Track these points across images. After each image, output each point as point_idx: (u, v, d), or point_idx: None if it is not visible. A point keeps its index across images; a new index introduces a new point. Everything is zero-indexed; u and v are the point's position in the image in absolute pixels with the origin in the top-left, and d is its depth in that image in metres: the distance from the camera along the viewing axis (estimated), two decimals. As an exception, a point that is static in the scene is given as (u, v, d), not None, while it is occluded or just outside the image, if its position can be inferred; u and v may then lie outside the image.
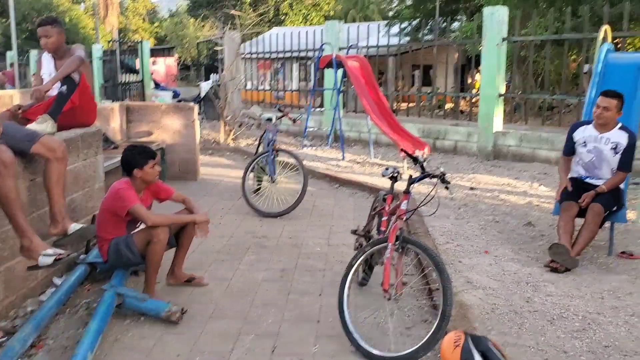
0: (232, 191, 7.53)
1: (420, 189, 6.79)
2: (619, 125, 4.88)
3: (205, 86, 14.24)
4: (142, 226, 4.12)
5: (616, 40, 9.61)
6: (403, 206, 3.50)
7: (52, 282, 4.23)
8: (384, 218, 3.90)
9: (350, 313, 3.47)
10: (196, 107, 8.39)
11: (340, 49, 11.78)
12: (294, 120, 6.96)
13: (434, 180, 3.50)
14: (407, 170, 8.50)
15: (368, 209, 6.65)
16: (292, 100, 15.92)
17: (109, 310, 3.55)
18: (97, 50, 17.06)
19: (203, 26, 40.38)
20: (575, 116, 10.70)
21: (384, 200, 4.04)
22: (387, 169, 4.00)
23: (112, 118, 7.68)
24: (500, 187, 7.60)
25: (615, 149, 4.80)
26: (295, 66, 23.48)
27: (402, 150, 3.86)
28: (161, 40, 45.95)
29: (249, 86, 16.31)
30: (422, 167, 3.52)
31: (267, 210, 6.35)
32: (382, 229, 3.88)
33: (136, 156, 3.98)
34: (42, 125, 4.15)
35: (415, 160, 3.55)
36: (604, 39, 6.24)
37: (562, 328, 3.50)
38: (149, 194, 4.21)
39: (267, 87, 16.91)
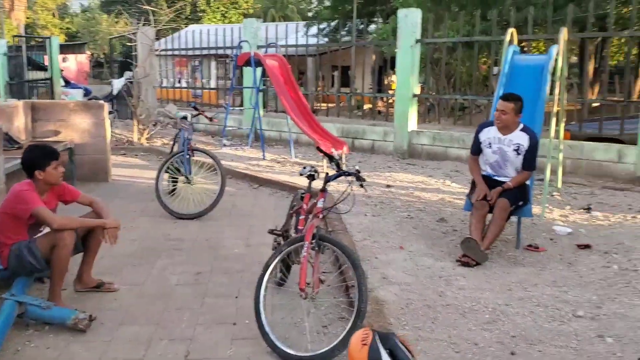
0: (146, 193, 7.27)
1: (340, 187, 6.84)
2: (521, 126, 5.08)
3: (117, 84, 13.72)
4: (46, 230, 3.89)
5: (522, 44, 10.12)
6: (320, 204, 3.50)
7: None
8: (302, 217, 3.88)
9: (267, 314, 3.42)
10: (107, 105, 8.05)
11: (258, 47, 11.69)
12: (211, 119, 6.82)
13: (350, 178, 3.52)
14: (327, 169, 8.55)
15: (288, 208, 6.66)
16: (210, 98, 15.65)
17: (8, 320, 3.33)
18: (1, 45, 16.05)
19: (117, 22, 38.97)
20: (485, 116, 11.14)
21: (302, 199, 4.02)
22: (304, 167, 3.99)
23: (15, 117, 7.22)
24: (415, 185, 7.79)
25: (517, 150, 5.00)
26: (213, 64, 23.16)
27: (317, 148, 3.85)
28: (72, 36, 43.93)
29: (165, 84, 15.87)
30: (338, 165, 3.52)
31: (182, 212, 6.18)
32: (300, 227, 3.86)
33: (37, 156, 3.75)
34: None
35: (331, 158, 3.55)
36: (511, 42, 6.52)
37: (473, 320, 3.62)
38: (53, 196, 3.97)
39: (185, 85, 16.55)
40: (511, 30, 6.62)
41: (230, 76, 25.39)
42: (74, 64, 31.24)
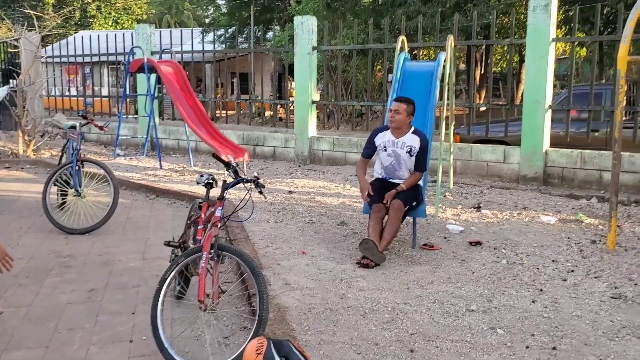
0: (33, 208, 6.83)
1: (242, 195, 6.77)
2: (412, 129, 5.28)
3: (0, 93, 12.78)
4: None
5: (414, 51, 10.54)
6: (217, 213, 3.42)
7: None
8: (200, 227, 3.78)
9: (165, 329, 3.30)
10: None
11: (152, 53, 11.35)
12: (101, 128, 6.50)
13: (249, 185, 3.48)
14: (227, 177, 8.43)
15: (186, 218, 6.48)
16: (102, 107, 14.97)
17: None
18: None
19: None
20: (382, 121, 11.46)
21: (200, 208, 3.92)
22: (201, 175, 3.89)
23: None
24: (317, 190, 7.87)
25: (410, 152, 5.19)
26: (105, 71, 22.19)
27: (213, 155, 3.78)
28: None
29: (53, 92, 15.00)
30: (236, 172, 3.47)
31: (73, 227, 5.85)
32: (199, 237, 3.76)
33: None
34: None
35: (227, 165, 3.49)
36: (402, 49, 6.76)
37: (374, 321, 3.69)
38: None
39: (75, 94, 15.70)
40: (402, 38, 6.86)
41: (122, 83, 24.53)
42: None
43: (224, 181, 3.57)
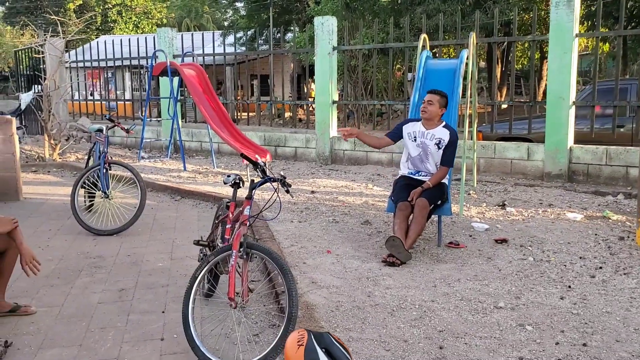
0: (61, 210, 6.95)
1: (265, 195, 6.83)
2: (443, 123, 5.30)
3: (25, 97, 13.01)
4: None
5: (434, 49, 10.50)
6: (246, 212, 3.46)
7: None
8: (228, 226, 3.82)
9: (196, 326, 3.35)
10: (15, 120, 7.63)
11: (174, 56, 11.47)
12: (127, 131, 6.60)
13: (276, 184, 3.51)
14: (251, 177, 8.50)
15: (212, 219, 6.55)
16: (125, 111, 15.15)
17: None
18: None
19: (22, 34, 37.12)
20: (390, 120, 11.43)
21: (227, 207, 3.97)
22: (228, 176, 3.95)
23: None
24: (339, 189, 7.89)
25: (438, 144, 5.20)
26: (127, 75, 22.48)
27: (242, 155, 3.82)
28: (-28, 49, 41.33)
29: (76, 97, 15.25)
30: (263, 172, 3.51)
31: (101, 228, 5.94)
32: (226, 236, 3.80)
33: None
34: None
35: (255, 165, 3.53)
36: (423, 47, 6.75)
37: (402, 318, 3.69)
38: (-43, 217, 3.72)
39: (98, 98, 15.94)
40: (423, 36, 6.85)
41: (145, 87, 24.78)
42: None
43: (252, 180, 3.61)
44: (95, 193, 6.40)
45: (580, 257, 4.88)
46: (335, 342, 1.36)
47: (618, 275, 4.43)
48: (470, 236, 5.58)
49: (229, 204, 4.00)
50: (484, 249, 5.19)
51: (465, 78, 6.32)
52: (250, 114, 18.44)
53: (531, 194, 7.39)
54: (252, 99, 18.20)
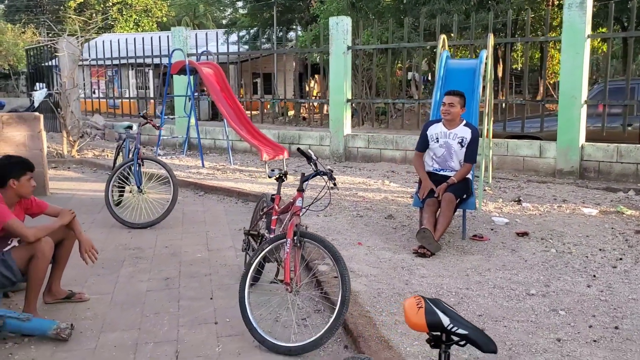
0: (89, 205, 7.15)
1: (289, 192, 7.02)
2: (464, 122, 5.52)
3: (39, 95, 13.19)
4: (14, 243, 3.83)
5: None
6: (298, 203, 3.67)
7: None
8: (274, 217, 4.04)
9: (252, 310, 3.56)
10: (40, 118, 7.81)
11: (188, 55, 11.66)
12: (158, 127, 6.81)
13: (325, 177, 3.73)
14: (268, 173, 8.70)
15: (239, 213, 6.79)
16: (129, 109, 15.32)
17: (-10, 334, 3.27)
18: None
19: (24, 32, 37.17)
20: (403, 119, 11.65)
21: (272, 200, 4.18)
22: (273, 170, 4.19)
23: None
24: (356, 186, 8.10)
25: (461, 142, 5.43)
26: (131, 73, 22.62)
27: (298, 149, 4.03)
28: (-29, 46, 41.27)
29: (81, 95, 15.40)
30: (315, 165, 3.73)
31: (136, 222, 6.14)
32: (273, 227, 4.02)
33: (14, 165, 3.71)
34: None
35: (309, 159, 3.75)
36: (442, 47, 6.97)
37: (440, 304, 3.91)
38: (21, 209, 3.92)
39: (101, 96, 16.08)
40: (443, 37, 7.07)
41: (148, 85, 24.89)
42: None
43: (303, 174, 3.83)
44: (124, 188, 6.60)
45: (600, 249, 5.11)
46: (448, 306, 1.57)
47: (638, 266, 4.67)
48: (492, 230, 5.81)
49: (273, 196, 4.21)
50: (506, 241, 5.41)
51: (484, 78, 6.54)
52: (253, 112, 18.68)
53: (544, 190, 7.63)
54: (256, 97, 18.41)
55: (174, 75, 11.04)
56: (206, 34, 17.19)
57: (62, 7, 41.13)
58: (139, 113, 7.22)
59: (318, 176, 3.78)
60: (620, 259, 4.86)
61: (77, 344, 3.51)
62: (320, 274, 4.38)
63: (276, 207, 4.07)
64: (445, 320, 1.54)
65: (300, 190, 3.75)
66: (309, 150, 3.87)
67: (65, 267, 4.14)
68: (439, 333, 1.58)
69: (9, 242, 3.84)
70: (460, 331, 1.52)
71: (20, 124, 7.46)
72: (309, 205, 3.75)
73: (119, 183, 6.49)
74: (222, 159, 10.71)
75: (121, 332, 3.68)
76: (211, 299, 4.21)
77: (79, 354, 3.39)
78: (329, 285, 4.14)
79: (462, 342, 1.55)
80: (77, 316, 3.91)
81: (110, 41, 13.81)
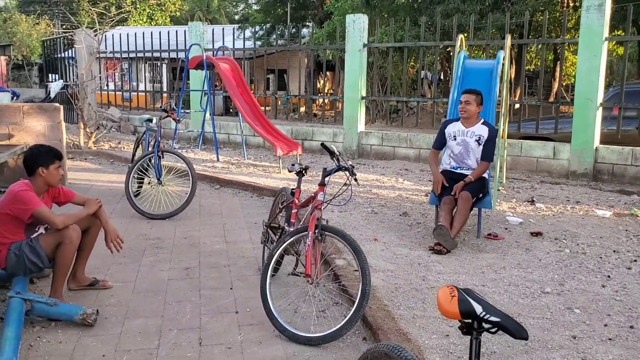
0: (108, 195, 7.26)
1: (309, 187, 7.09)
2: (482, 120, 5.58)
3: (55, 87, 13.32)
4: (42, 230, 3.94)
5: (448, 49, 10.77)
6: (319, 197, 3.75)
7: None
8: (294, 211, 4.13)
9: (273, 300, 3.64)
10: (61, 109, 7.93)
11: (205, 50, 11.76)
12: (178, 121, 6.91)
13: (347, 172, 3.80)
14: (283, 170, 8.80)
15: (254, 207, 6.88)
16: (141, 102, 15.47)
17: (21, 316, 3.37)
18: None
19: (38, 23, 37.40)
20: (416, 117, 11.68)
21: (292, 194, 4.26)
22: (293, 164, 4.27)
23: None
24: (370, 183, 8.17)
25: (478, 140, 5.49)
26: (144, 67, 22.76)
27: (322, 144, 4.11)
28: (-15, 37, 41.63)
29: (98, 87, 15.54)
30: (338, 160, 3.81)
31: (155, 213, 6.24)
32: (292, 220, 4.11)
33: (43, 154, 3.81)
34: None
35: (332, 154, 3.83)
36: (460, 47, 7.03)
37: (456, 299, 3.98)
38: (49, 197, 4.03)
39: (113, 88, 16.20)
40: (461, 37, 7.12)
41: (161, 79, 25.01)
42: (-11, 66, 29.73)
43: (324, 169, 3.91)
44: (143, 179, 6.71)
45: (614, 251, 5.16)
46: (480, 296, 1.64)
47: (653, 268, 4.72)
48: (506, 229, 5.86)
49: (293, 190, 4.29)
50: (520, 240, 5.47)
51: (501, 79, 6.59)
52: (266, 107, 18.81)
53: (557, 192, 7.67)
54: (268, 93, 18.49)
55: (190, 70, 11.13)
56: (223, 29, 17.32)
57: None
58: (160, 107, 7.30)
59: (336, 172, 3.84)
60: (635, 260, 4.91)
61: (102, 329, 3.61)
62: (338, 267, 4.46)
63: (296, 201, 4.15)
64: (478, 308, 1.61)
65: (322, 184, 3.83)
66: (332, 146, 3.94)
67: (89, 255, 4.24)
68: (470, 321, 1.65)
69: (37, 229, 3.94)
70: (493, 318, 1.59)
71: (41, 114, 7.57)
72: (331, 200, 3.83)
73: (138, 175, 6.60)
74: (236, 153, 10.80)
75: (145, 318, 3.78)
76: (231, 289, 4.30)
77: (105, 339, 3.48)
78: (347, 279, 4.22)
79: (494, 329, 1.62)
80: (102, 303, 4.00)
81: (127, 34, 13.93)
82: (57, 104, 7.80)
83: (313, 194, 3.89)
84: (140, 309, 3.93)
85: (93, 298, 4.08)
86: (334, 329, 3.42)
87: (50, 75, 16.95)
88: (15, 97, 17.51)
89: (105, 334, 3.54)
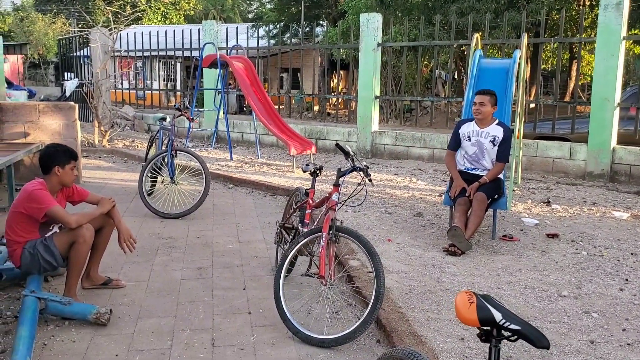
0: (122, 194, 7.28)
1: (324, 187, 7.07)
2: (497, 121, 5.51)
3: (70, 85, 13.41)
4: (56, 229, 3.94)
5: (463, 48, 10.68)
6: (334, 198, 3.72)
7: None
8: (308, 211, 4.10)
9: (286, 301, 3.62)
10: (76, 107, 7.97)
11: (219, 48, 11.77)
12: (192, 120, 6.91)
13: (361, 173, 3.77)
14: (296, 169, 8.77)
15: (268, 206, 6.86)
16: (157, 100, 15.50)
17: (35, 315, 3.38)
18: None
19: (54, 22, 37.73)
20: (432, 117, 11.60)
21: (306, 194, 4.23)
22: (307, 164, 4.24)
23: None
24: (384, 183, 8.12)
25: (493, 141, 5.42)
26: (158, 65, 22.85)
27: (336, 145, 4.08)
28: (4, 36, 42.07)
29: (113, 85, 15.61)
30: (353, 160, 3.78)
31: (168, 212, 6.25)
32: (306, 221, 4.08)
33: (59, 153, 3.82)
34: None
35: (347, 154, 3.80)
36: (475, 46, 6.95)
37: (471, 302, 3.93)
38: (63, 197, 4.03)
39: (127, 87, 16.27)
40: (476, 36, 7.05)
41: (174, 77, 25.07)
42: (8, 65, 30.03)
43: (339, 169, 3.88)
44: (156, 178, 6.72)
45: (632, 254, 5.07)
46: (498, 302, 1.60)
47: (672, 271, 4.63)
48: (522, 230, 5.79)
49: (307, 191, 4.27)
50: (536, 242, 5.40)
51: (518, 78, 6.51)
52: (280, 106, 18.80)
53: (574, 193, 7.57)
54: (282, 92, 18.45)
55: (204, 69, 11.15)
56: (237, 27, 17.33)
57: (90, -1, 41.63)
58: (174, 105, 7.31)
59: (351, 173, 3.81)
60: (653, 263, 4.83)
61: (115, 328, 3.61)
62: (352, 268, 4.43)
63: (311, 201, 4.12)
64: (498, 316, 1.57)
65: (337, 185, 3.80)
66: (347, 147, 3.91)
67: (103, 254, 4.25)
68: (489, 328, 1.62)
69: (51, 228, 3.95)
70: (513, 326, 1.55)
71: (56, 112, 7.62)
72: (345, 200, 3.80)
73: (151, 173, 6.61)
74: (250, 152, 10.80)
75: (158, 318, 3.77)
76: (244, 289, 4.28)
77: (118, 338, 3.48)
78: (361, 280, 4.19)
79: (514, 338, 1.58)
80: (115, 302, 4.01)
81: (142, 33, 13.99)
82: (72, 103, 7.84)
83: (327, 195, 3.86)
84: (153, 308, 3.93)
85: (106, 297, 4.09)
86: (348, 331, 3.39)
87: (65, 73, 17.06)
88: (31, 96, 17.69)
89: (118, 334, 3.54)
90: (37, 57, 40.58)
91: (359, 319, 3.42)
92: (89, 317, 3.59)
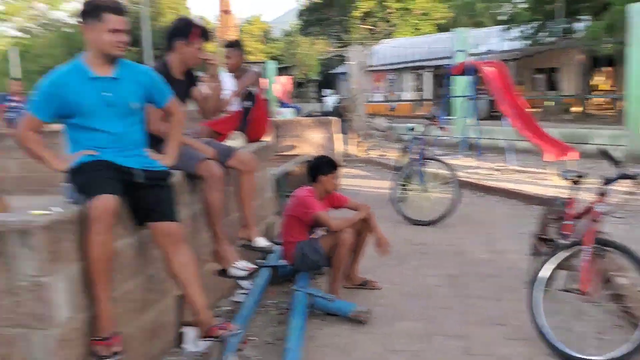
0: (375, 200, 7.64)
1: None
2: None
3: (330, 101, 14.63)
4: (319, 231, 4.35)
5: None
6: (599, 208, 3.44)
7: (238, 284, 4.54)
8: (568, 222, 3.84)
9: (544, 316, 3.43)
10: (335, 121, 8.66)
11: (470, 55, 11.70)
12: (442, 128, 7.02)
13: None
14: (552, 177, 8.25)
15: (521, 216, 6.61)
16: (406, 111, 15.95)
17: (305, 308, 3.78)
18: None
19: (314, 44, 41.39)
20: None
21: (564, 204, 3.97)
22: (566, 171, 3.98)
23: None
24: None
25: None
26: (409, 77, 23.51)
27: (602, 152, 3.76)
28: (275, 59, 47.58)
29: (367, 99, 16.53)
30: (620, 167, 3.46)
31: (419, 218, 6.41)
32: (566, 233, 3.82)
33: (324, 164, 4.25)
34: (236, 142, 4.52)
35: (612, 160, 3.50)
36: None
37: None
38: (327, 202, 4.43)
39: (381, 99, 17.04)
40: None
41: (422, 87, 25.53)
42: (279, 85, 33.89)
43: (604, 176, 3.57)
44: (408, 186, 6.93)
45: None
46: None
47: None
48: None
49: (565, 200, 4.00)
50: None
51: None
52: (532, 109, 17.83)
53: None
54: (536, 94, 17.47)
55: (454, 76, 11.19)
56: (487, 31, 16.97)
57: (347, 17, 44.65)
58: (424, 115, 7.49)
59: (618, 180, 3.47)
60: None
61: (373, 327, 3.83)
62: (619, 286, 4.01)
63: (570, 212, 3.85)
64: None
65: (602, 194, 3.50)
66: (614, 151, 3.58)
67: (362, 256, 4.54)
68: None
69: (313, 231, 4.37)
70: None
71: (318, 127, 8.40)
72: (612, 211, 3.48)
73: (402, 181, 6.85)
74: (500, 158, 10.47)
75: (412, 321, 3.90)
76: (498, 300, 4.19)
77: (375, 337, 3.69)
78: (631, 300, 3.77)
79: None
80: (371, 302, 4.25)
81: (393, 46, 14.62)
82: (332, 117, 8.56)
83: (590, 204, 3.57)
84: (407, 312, 4.07)
85: (361, 297, 4.35)
86: (618, 354, 3.09)
87: (323, 90, 18.66)
88: (296, 112, 19.74)
89: (375, 333, 3.76)
90: (301, 77, 45.05)
91: (632, 342, 3.08)
92: (349, 314, 3.88)
